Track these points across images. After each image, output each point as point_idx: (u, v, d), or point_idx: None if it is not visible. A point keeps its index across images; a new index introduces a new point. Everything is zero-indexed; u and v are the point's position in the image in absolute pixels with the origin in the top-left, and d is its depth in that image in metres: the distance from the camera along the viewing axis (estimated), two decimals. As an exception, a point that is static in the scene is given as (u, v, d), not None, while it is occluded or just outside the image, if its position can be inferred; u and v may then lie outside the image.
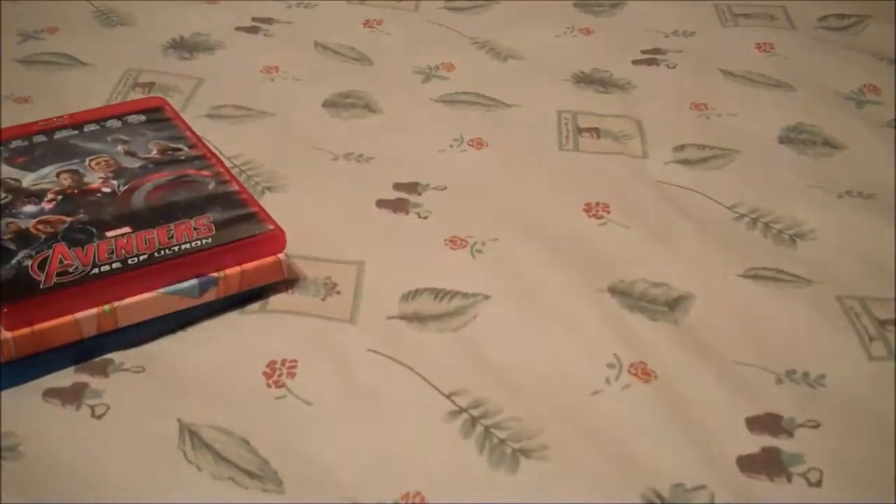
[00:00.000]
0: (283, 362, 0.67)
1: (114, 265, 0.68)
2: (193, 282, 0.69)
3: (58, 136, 0.81)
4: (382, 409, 0.64)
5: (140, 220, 0.72)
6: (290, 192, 0.83)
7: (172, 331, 0.69)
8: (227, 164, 0.83)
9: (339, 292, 0.73)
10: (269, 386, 0.66)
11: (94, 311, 0.66)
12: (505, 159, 0.89)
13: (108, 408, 0.63)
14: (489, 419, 0.63)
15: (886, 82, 1.02)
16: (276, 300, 0.72)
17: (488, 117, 0.95)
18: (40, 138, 0.81)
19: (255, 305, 0.72)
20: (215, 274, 0.70)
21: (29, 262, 0.67)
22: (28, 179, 0.76)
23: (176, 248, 0.69)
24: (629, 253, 0.78)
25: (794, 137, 0.93)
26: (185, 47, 1.04)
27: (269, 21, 1.10)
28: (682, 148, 0.91)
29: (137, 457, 0.60)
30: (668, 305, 0.73)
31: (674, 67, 1.04)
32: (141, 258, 0.68)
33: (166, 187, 0.76)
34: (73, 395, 0.64)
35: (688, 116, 0.96)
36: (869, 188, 0.86)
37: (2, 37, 1.04)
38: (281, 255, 0.72)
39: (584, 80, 1.01)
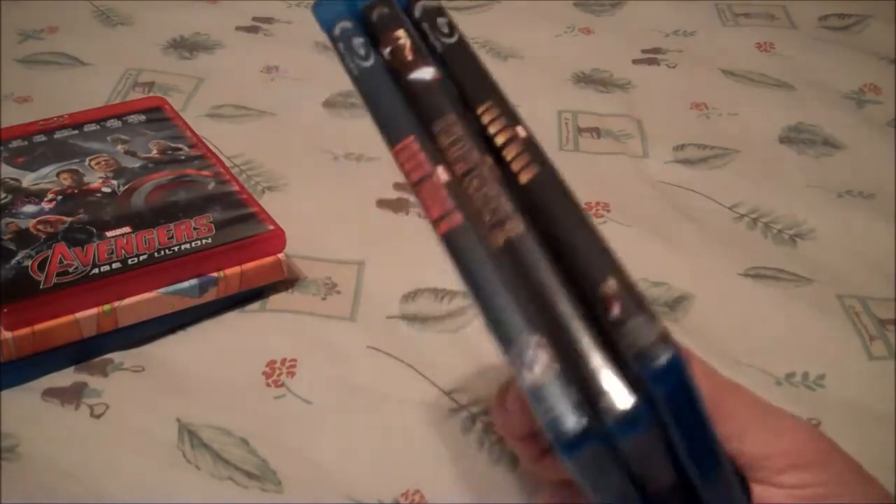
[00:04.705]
0: (283, 362, 0.67)
1: (114, 265, 0.68)
2: (193, 282, 0.69)
3: (58, 135, 0.81)
4: (382, 407, 0.64)
5: (140, 220, 0.72)
6: (290, 192, 0.83)
7: (172, 331, 0.69)
8: (227, 163, 0.83)
9: (339, 292, 0.73)
10: (268, 385, 0.66)
11: (93, 311, 0.66)
12: (505, 159, 0.89)
13: (108, 407, 0.63)
14: (489, 416, 0.63)
15: (887, 82, 1.02)
16: (276, 300, 0.72)
17: (488, 117, 0.95)
18: (40, 138, 0.81)
19: (255, 305, 0.72)
20: (215, 274, 0.70)
21: (29, 262, 0.67)
22: (28, 179, 0.76)
23: (176, 248, 0.69)
24: (629, 252, 0.77)
25: (795, 137, 0.93)
26: (185, 47, 1.04)
27: (269, 21, 1.10)
28: (682, 147, 0.91)
29: (136, 456, 0.60)
30: (669, 305, 0.73)
31: (674, 67, 1.04)
32: (141, 258, 0.68)
33: (166, 187, 0.76)
34: (72, 395, 0.64)
35: (688, 116, 0.96)
36: (869, 188, 0.86)
37: (2, 37, 1.04)
38: (281, 255, 0.72)
39: (585, 79, 1.01)
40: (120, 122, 0.83)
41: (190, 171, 0.78)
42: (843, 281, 0.76)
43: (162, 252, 0.69)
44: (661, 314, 0.72)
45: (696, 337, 0.70)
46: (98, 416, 0.63)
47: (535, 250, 0.37)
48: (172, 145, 0.81)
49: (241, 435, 0.62)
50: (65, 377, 0.65)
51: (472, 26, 1.11)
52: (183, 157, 0.79)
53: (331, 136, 0.91)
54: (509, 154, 0.39)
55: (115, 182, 0.76)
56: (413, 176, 0.39)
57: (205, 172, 0.77)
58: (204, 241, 0.70)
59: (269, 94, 0.97)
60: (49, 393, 0.64)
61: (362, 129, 0.92)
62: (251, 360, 0.67)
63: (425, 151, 0.39)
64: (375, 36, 0.42)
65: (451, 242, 0.38)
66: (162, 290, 0.68)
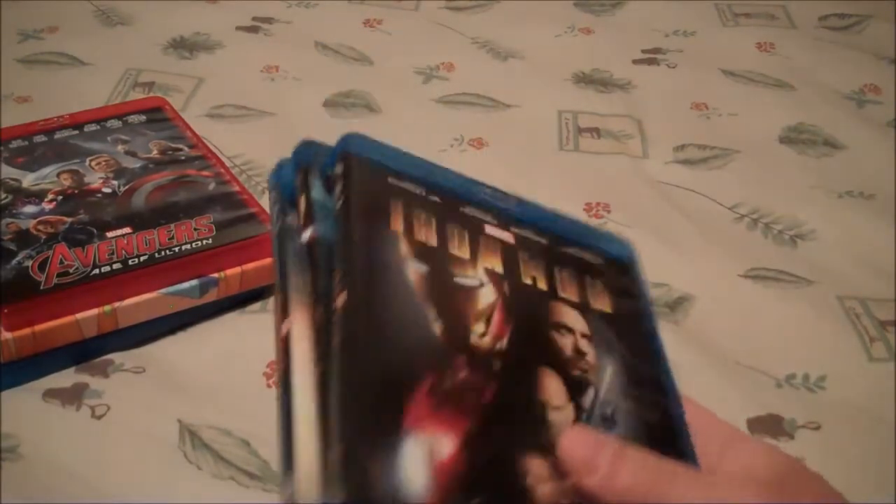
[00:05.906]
0: (284, 363, 0.67)
1: (114, 266, 0.68)
2: (194, 282, 0.69)
3: (58, 136, 0.81)
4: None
5: (140, 220, 0.72)
6: (291, 193, 0.83)
7: (173, 331, 0.69)
8: (228, 164, 0.83)
9: (339, 292, 0.73)
10: (269, 386, 0.66)
11: (94, 311, 0.66)
12: (505, 159, 0.89)
13: (109, 408, 0.63)
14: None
15: (887, 82, 1.02)
16: (277, 300, 0.72)
17: (488, 117, 0.95)
18: (40, 138, 0.81)
19: (256, 306, 0.72)
20: (216, 274, 0.69)
21: (29, 263, 0.67)
22: (28, 179, 0.76)
23: (176, 249, 0.69)
24: (629, 253, 0.78)
25: (795, 137, 0.93)
26: (185, 47, 1.04)
27: (269, 21, 1.10)
28: (682, 148, 0.91)
29: (137, 457, 0.60)
30: (669, 306, 0.73)
31: (674, 67, 1.04)
32: (141, 259, 0.68)
33: (167, 187, 0.76)
34: (73, 396, 0.64)
35: (688, 116, 0.96)
36: (869, 188, 0.86)
37: (2, 37, 1.04)
38: (281, 256, 0.72)
39: (585, 79, 1.01)
40: (120, 122, 0.83)
41: (190, 171, 0.78)
42: (843, 282, 0.76)
43: (162, 252, 0.69)
44: (662, 315, 0.72)
45: (696, 338, 0.70)
46: (99, 417, 0.63)
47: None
48: (173, 145, 0.81)
49: (242, 435, 0.62)
50: (65, 378, 0.65)
51: (473, 26, 1.11)
52: (183, 158, 0.79)
53: (331, 136, 0.90)
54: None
55: (115, 182, 0.76)
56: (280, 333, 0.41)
57: (205, 173, 0.77)
58: (204, 242, 0.70)
59: (269, 93, 0.97)
60: (50, 394, 0.64)
61: (362, 129, 0.92)
62: (252, 360, 0.67)
63: (281, 308, 0.40)
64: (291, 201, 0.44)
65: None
66: (162, 290, 0.68)
